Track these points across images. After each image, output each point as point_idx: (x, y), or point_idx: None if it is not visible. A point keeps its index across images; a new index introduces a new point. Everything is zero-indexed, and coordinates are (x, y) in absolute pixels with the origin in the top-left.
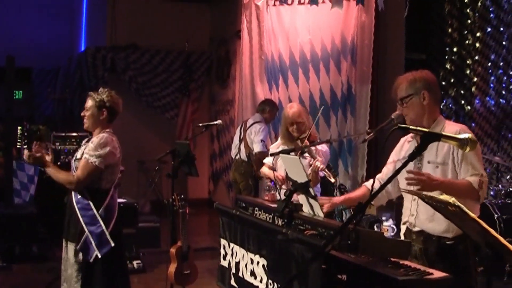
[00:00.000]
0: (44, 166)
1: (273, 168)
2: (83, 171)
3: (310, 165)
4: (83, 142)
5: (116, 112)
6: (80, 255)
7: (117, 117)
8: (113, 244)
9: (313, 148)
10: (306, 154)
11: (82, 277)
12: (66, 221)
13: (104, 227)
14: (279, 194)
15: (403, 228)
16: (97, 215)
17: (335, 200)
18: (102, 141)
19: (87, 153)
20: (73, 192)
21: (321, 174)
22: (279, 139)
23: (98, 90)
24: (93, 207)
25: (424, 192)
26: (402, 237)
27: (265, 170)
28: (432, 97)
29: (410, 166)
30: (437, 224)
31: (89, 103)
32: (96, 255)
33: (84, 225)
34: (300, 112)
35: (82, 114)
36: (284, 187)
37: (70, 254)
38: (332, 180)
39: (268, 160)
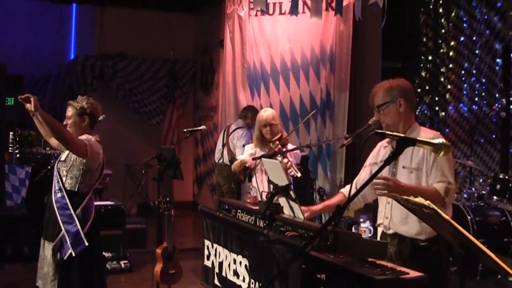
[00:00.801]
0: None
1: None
2: (83, 143)
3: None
4: None
5: (97, 117)
6: (58, 255)
7: (105, 122)
8: (87, 244)
9: (285, 149)
10: (278, 158)
11: (59, 276)
12: (45, 220)
13: (79, 227)
14: (261, 197)
15: (379, 230)
16: (74, 215)
17: (313, 208)
18: (92, 142)
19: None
20: (53, 193)
21: (291, 173)
22: (253, 141)
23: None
24: (70, 207)
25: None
26: (378, 238)
27: (235, 163)
28: (408, 104)
29: (385, 171)
30: (410, 227)
31: (70, 111)
32: (71, 253)
33: (61, 224)
34: (273, 115)
35: (64, 122)
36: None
37: (48, 253)
38: (299, 175)
39: (240, 157)
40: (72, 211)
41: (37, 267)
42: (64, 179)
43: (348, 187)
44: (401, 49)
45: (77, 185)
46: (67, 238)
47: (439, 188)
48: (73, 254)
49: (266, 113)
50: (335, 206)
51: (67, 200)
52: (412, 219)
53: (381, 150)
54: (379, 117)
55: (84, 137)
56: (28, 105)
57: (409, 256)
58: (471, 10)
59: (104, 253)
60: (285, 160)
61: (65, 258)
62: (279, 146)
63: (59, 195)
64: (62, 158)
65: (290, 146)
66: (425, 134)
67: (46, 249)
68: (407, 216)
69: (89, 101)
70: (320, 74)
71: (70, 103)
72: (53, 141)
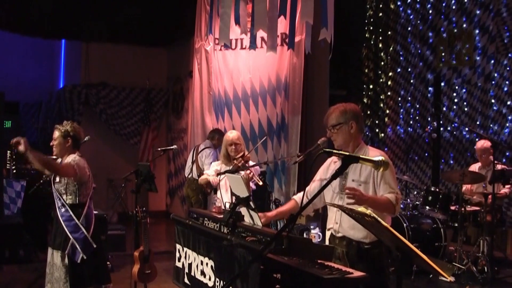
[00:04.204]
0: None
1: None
2: (70, 165)
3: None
4: None
5: (79, 139)
6: (66, 260)
7: (90, 142)
8: (95, 246)
9: (247, 164)
10: (241, 172)
11: (70, 278)
12: (53, 232)
13: (86, 233)
14: (224, 207)
15: (328, 234)
16: (79, 224)
17: (268, 215)
18: (71, 159)
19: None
20: (57, 208)
21: (253, 186)
22: (220, 159)
23: (62, 123)
24: (75, 217)
25: (345, 206)
26: (327, 242)
27: (201, 177)
28: (358, 127)
29: (336, 182)
30: (357, 231)
31: (56, 134)
32: (82, 257)
33: (69, 233)
34: (238, 136)
35: (51, 144)
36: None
37: (57, 260)
38: (260, 183)
39: (206, 173)
40: (77, 221)
41: (46, 272)
42: (64, 196)
43: (299, 194)
44: (346, 78)
45: (77, 198)
46: (76, 245)
47: (390, 198)
48: (85, 257)
49: (232, 134)
50: (287, 212)
51: (71, 212)
52: (358, 225)
53: (331, 165)
54: (331, 135)
55: (70, 157)
56: (19, 147)
57: (355, 257)
58: (406, 45)
59: None
60: (248, 171)
61: (78, 261)
62: (242, 162)
63: (63, 210)
64: (57, 180)
65: (251, 163)
66: (372, 153)
67: (55, 257)
68: (354, 222)
69: (73, 125)
70: (276, 101)
71: (56, 126)
72: (46, 171)
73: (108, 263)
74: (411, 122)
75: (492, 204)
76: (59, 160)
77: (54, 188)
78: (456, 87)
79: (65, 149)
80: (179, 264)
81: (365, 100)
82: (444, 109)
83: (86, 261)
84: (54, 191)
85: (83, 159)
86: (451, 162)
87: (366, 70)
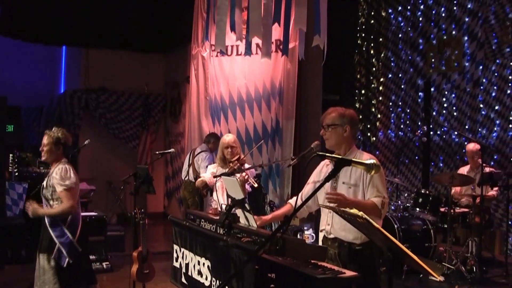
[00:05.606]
0: (40, 213)
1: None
2: (68, 198)
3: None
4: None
5: (69, 147)
6: (52, 262)
7: (90, 145)
8: (80, 250)
9: (242, 167)
10: (237, 174)
11: (59, 279)
12: (40, 237)
13: (71, 237)
14: (220, 208)
15: (321, 235)
16: (65, 229)
17: (264, 218)
18: (63, 170)
19: (58, 184)
20: None
21: (248, 188)
22: (216, 161)
23: (52, 129)
24: (60, 223)
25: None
26: (320, 243)
27: (198, 180)
28: (352, 131)
29: (328, 185)
30: (348, 233)
31: (46, 139)
32: (68, 261)
33: (55, 238)
34: (234, 139)
35: (40, 149)
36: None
37: (44, 263)
38: (256, 185)
39: (203, 176)
40: (63, 226)
41: (35, 276)
42: (51, 202)
43: (294, 198)
44: (338, 84)
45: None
46: (62, 249)
47: (376, 202)
48: (71, 261)
49: (228, 137)
50: (282, 216)
51: (58, 219)
52: (350, 226)
53: (324, 168)
54: (324, 134)
55: (60, 167)
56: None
57: (346, 257)
58: (397, 52)
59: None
60: (243, 174)
61: (64, 265)
62: (238, 164)
63: None
64: (44, 185)
65: (246, 166)
66: (364, 156)
67: (41, 260)
68: (345, 224)
69: (63, 132)
70: (271, 106)
71: (46, 132)
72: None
73: (107, 263)
74: (402, 126)
75: (480, 206)
76: (44, 183)
77: (42, 193)
78: (446, 92)
79: (55, 155)
80: (176, 264)
81: (357, 105)
82: (434, 113)
83: (72, 264)
84: (42, 196)
85: (70, 166)
86: (441, 165)
87: (358, 76)
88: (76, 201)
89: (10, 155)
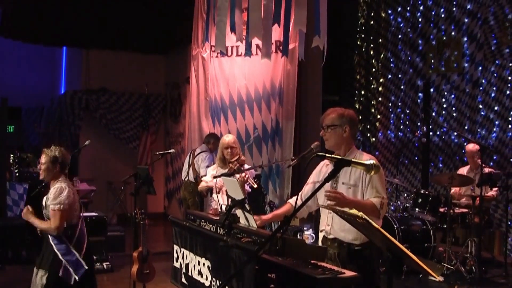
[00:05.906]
0: (29, 219)
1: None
2: (55, 218)
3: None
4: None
5: (67, 164)
6: (44, 279)
7: (91, 146)
8: (86, 267)
9: (242, 168)
10: (237, 175)
11: None
12: (41, 252)
13: (77, 255)
14: (221, 209)
15: (320, 235)
16: (70, 247)
17: (264, 218)
18: (57, 190)
19: (51, 204)
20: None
21: (248, 189)
22: (216, 162)
23: (50, 147)
24: (66, 240)
25: (338, 208)
26: (320, 243)
27: (201, 185)
28: (352, 132)
29: (328, 185)
30: (348, 233)
31: (44, 158)
32: (75, 278)
33: (60, 256)
34: (234, 140)
35: (38, 167)
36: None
37: (37, 278)
38: (255, 186)
39: (205, 179)
40: (68, 244)
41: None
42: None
43: (294, 198)
44: (338, 84)
45: (71, 219)
46: (69, 267)
47: (375, 202)
48: (77, 279)
49: (228, 138)
50: (282, 215)
51: (62, 235)
52: (349, 226)
53: (323, 168)
54: (324, 134)
55: (56, 186)
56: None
57: (346, 258)
58: (397, 52)
59: None
60: (243, 174)
61: (72, 283)
62: (238, 165)
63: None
64: (44, 206)
65: (246, 166)
66: (363, 157)
67: (39, 276)
68: (345, 224)
69: (61, 151)
70: (271, 106)
71: (44, 151)
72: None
73: (108, 263)
74: (401, 127)
75: (480, 206)
76: (43, 202)
77: (43, 213)
78: (445, 93)
79: (52, 174)
80: (176, 264)
81: (356, 106)
82: (433, 114)
83: (78, 282)
84: (45, 215)
85: (67, 185)
86: (440, 165)
87: (358, 77)
88: (63, 224)
89: (11, 155)
